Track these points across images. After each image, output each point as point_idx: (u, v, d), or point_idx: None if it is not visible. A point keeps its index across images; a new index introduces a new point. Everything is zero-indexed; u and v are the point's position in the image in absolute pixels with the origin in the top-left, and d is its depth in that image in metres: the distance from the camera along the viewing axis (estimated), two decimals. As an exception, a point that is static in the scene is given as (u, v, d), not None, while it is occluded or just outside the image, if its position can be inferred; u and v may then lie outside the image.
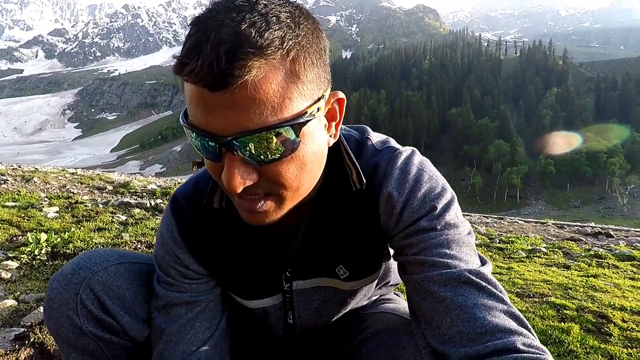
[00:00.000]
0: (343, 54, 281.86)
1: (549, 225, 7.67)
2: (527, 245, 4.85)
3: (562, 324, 2.12)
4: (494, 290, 0.61)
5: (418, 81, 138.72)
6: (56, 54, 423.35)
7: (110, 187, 6.53)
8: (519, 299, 2.54)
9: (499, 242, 4.94)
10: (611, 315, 2.25)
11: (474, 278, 0.61)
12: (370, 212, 0.72)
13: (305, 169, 0.60)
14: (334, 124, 0.65)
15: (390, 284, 0.97)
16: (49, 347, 1.49)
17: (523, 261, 3.90)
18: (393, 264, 0.91)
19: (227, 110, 0.52)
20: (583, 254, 4.41)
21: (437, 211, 0.67)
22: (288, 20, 0.53)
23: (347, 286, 0.81)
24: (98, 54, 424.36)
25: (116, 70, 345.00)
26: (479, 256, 0.68)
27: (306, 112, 0.56)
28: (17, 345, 1.46)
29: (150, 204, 5.19)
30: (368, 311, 0.93)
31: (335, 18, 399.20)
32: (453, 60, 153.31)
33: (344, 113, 0.65)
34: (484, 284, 0.61)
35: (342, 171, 0.72)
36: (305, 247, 0.78)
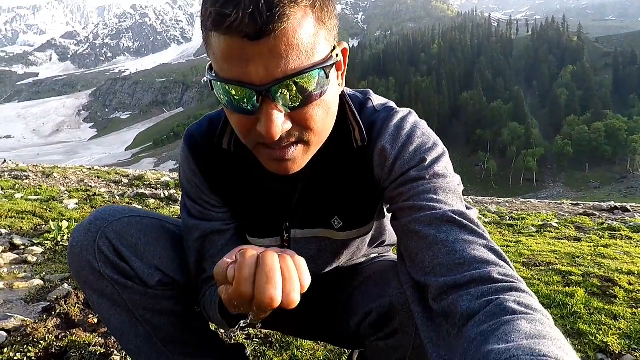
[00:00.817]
0: (350, 42, 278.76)
1: (564, 203, 7.59)
2: (538, 221, 4.81)
3: (567, 288, 2.16)
4: (475, 228, 0.65)
5: (427, 66, 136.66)
6: (69, 56, 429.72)
7: (126, 180, 6.71)
8: (524, 268, 2.57)
9: (509, 219, 4.91)
10: (617, 279, 2.27)
11: (457, 217, 0.65)
12: (365, 166, 0.77)
13: (330, 113, 0.65)
14: (340, 73, 0.68)
15: (386, 243, 1.02)
16: (73, 317, 1.60)
17: (533, 236, 3.90)
18: (388, 224, 0.96)
19: (267, 58, 0.54)
20: (596, 227, 4.37)
21: (427, 163, 0.71)
22: None
23: (341, 236, 0.86)
24: (109, 54, 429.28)
25: (127, 69, 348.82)
26: (466, 205, 0.72)
27: (331, 56, 0.60)
28: (45, 316, 1.61)
29: (165, 194, 5.34)
30: (364, 265, 0.98)
31: (340, 7, 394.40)
32: (462, 43, 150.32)
33: (347, 63, 0.69)
34: (465, 222, 0.65)
35: (344, 128, 0.76)
36: (304, 199, 0.83)
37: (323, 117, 0.63)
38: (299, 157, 0.65)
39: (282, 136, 0.60)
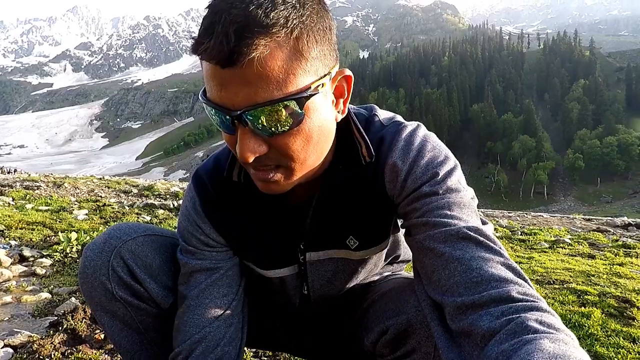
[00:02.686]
0: (360, 54, 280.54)
1: (576, 218, 7.45)
2: (551, 236, 4.73)
3: (583, 308, 2.09)
4: (492, 245, 0.63)
5: (438, 78, 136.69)
6: (83, 66, 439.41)
7: (135, 191, 6.77)
8: (538, 286, 2.50)
9: (521, 234, 4.83)
10: (635, 300, 2.20)
11: (472, 234, 0.63)
12: (376, 183, 0.76)
13: (311, 142, 0.64)
14: (341, 100, 0.68)
15: (400, 259, 1.01)
16: (80, 333, 1.59)
17: (545, 252, 3.82)
18: (402, 239, 0.94)
19: (237, 85, 0.56)
20: (610, 244, 4.28)
21: (439, 177, 0.70)
22: (293, 1, 0.56)
23: (357, 255, 0.85)
24: (122, 64, 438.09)
25: (139, 80, 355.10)
26: (481, 219, 0.71)
27: (310, 87, 0.59)
28: (51, 331, 1.61)
29: (174, 204, 5.36)
30: (378, 283, 0.97)
31: (351, 19, 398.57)
32: (473, 55, 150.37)
33: (352, 90, 0.68)
34: (481, 238, 0.63)
35: (351, 145, 0.75)
36: (317, 220, 0.81)
37: (302, 146, 0.63)
38: (282, 181, 0.66)
39: (261, 158, 0.62)
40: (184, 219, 0.85)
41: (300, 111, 0.59)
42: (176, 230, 0.90)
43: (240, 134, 0.60)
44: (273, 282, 0.90)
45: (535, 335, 0.48)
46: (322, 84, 0.61)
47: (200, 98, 0.63)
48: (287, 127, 0.60)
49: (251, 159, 0.61)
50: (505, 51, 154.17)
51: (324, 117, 0.64)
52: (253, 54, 0.53)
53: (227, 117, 0.59)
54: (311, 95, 0.60)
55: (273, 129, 0.59)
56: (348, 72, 0.66)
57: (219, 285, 0.84)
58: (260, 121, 0.58)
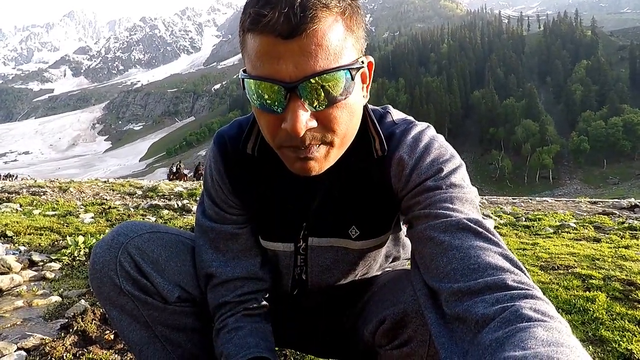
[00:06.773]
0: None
1: (581, 202, 7.42)
2: (555, 221, 4.71)
3: (588, 293, 2.09)
4: (490, 236, 0.65)
5: (437, 66, 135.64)
6: (82, 71, 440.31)
7: (139, 192, 6.81)
8: (542, 272, 2.50)
9: (525, 221, 4.82)
10: (640, 282, 2.20)
11: (472, 225, 0.65)
12: (382, 176, 0.79)
13: (354, 117, 0.68)
14: (365, 85, 0.72)
15: (402, 258, 1.04)
16: (90, 334, 1.63)
17: (550, 237, 3.81)
18: (403, 237, 0.99)
19: (297, 56, 0.59)
20: (616, 227, 4.26)
21: (444, 173, 0.73)
22: None
23: (357, 245, 0.87)
24: (121, 67, 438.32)
25: (139, 81, 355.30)
26: (482, 216, 0.73)
27: (357, 61, 0.64)
28: (62, 333, 1.65)
29: (178, 204, 5.39)
30: (378, 277, 0.99)
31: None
32: (472, 41, 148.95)
33: (372, 76, 0.72)
34: (480, 229, 0.65)
35: (365, 139, 0.79)
36: (323, 206, 0.85)
37: (347, 120, 0.67)
38: (322, 157, 0.68)
39: (306, 137, 0.64)
40: (208, 178, 0.90)
41: (352, 81, 0.64)
42: (202, 191, 0.93)
43: (293, 108, 0.61)
44: (268, 254, 0.93)
45: (529, 323, 0.49)
46: (363, 61, 0.66)
47: (241, 77, 0.66)
48: (340, 98, 0.63)
49: (302, 133, 0.62)
50: (505, 35, 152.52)
51: (360, 94, 0.70)
52: (316, 26, 0.58)
53: (283, 90, 0.60)
54: (359, 69, 0.65)
55: (327, 99, 0.62)
56: (370, 58, 0.70)
57: (249, 247, 0.91)
58: (316, 91, 0.61)
